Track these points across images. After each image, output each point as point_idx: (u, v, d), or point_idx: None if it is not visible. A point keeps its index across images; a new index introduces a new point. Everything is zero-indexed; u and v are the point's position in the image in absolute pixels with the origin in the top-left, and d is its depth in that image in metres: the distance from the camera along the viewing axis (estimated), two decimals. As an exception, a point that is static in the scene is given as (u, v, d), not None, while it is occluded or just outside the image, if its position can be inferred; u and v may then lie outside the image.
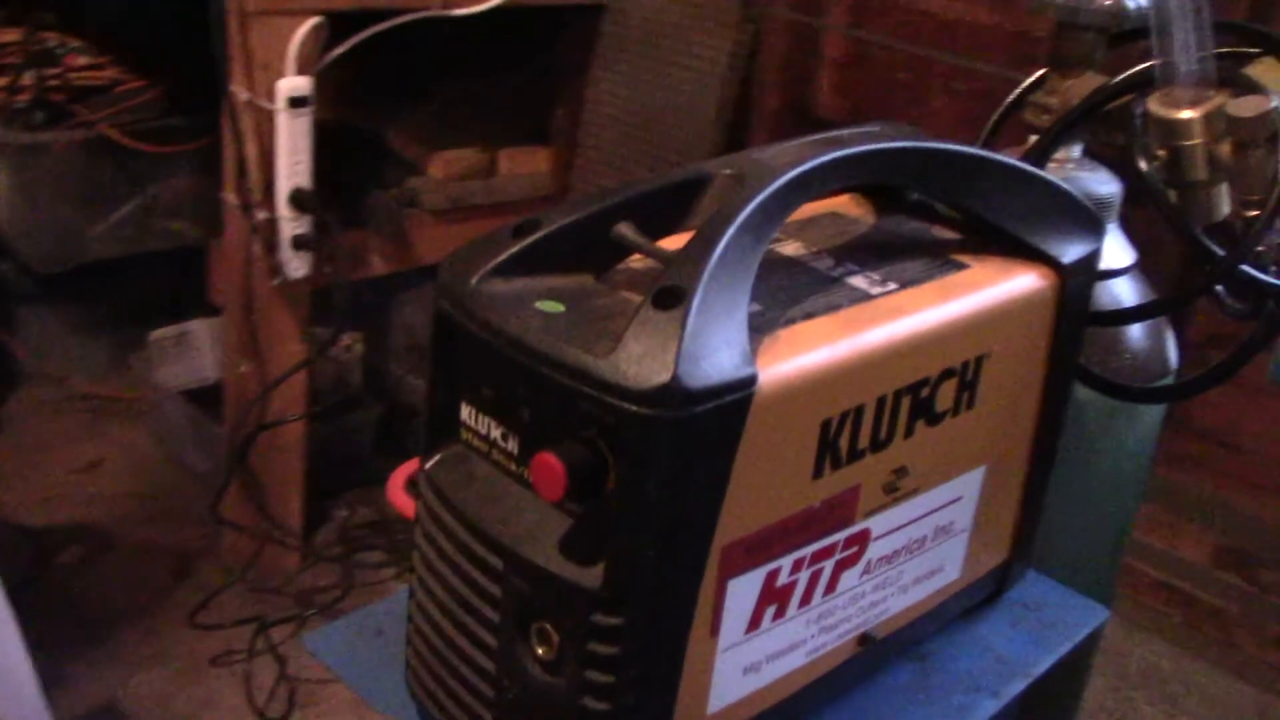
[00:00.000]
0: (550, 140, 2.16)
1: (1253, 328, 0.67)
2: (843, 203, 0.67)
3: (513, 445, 0.53)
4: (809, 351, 0.52)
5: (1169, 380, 0.81)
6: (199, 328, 2.18)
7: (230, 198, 1.74)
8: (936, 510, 0.62)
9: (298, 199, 1.76)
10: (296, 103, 1.73)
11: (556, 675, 0.52)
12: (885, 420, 0.56)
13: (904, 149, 0.58)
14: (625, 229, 0.53)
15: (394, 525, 2.12)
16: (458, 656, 0.55)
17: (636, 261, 0.55)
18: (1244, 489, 1.52)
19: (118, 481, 2.10)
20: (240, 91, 1.69)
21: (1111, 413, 0.78)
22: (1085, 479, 0.79)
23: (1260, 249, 0.67)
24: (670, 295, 0.48)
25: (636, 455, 0.47)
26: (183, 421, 2.10)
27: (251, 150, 1.71)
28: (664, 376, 0.46)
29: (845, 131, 0.60)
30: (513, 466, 0.53)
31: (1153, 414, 0.82)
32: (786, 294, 0.56)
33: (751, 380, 0.49)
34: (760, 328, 0.52)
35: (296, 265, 1.80)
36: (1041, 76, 0.80)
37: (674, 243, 0.55)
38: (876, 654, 0.64)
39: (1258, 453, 1.48)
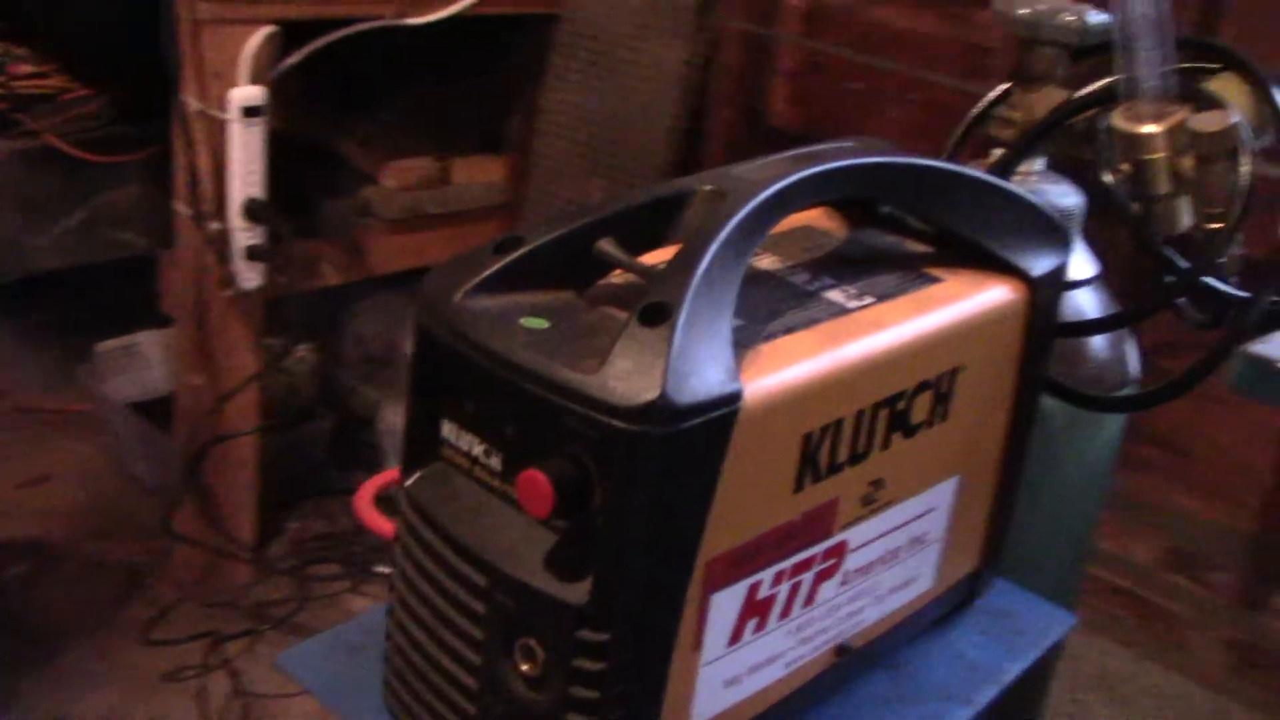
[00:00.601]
0: (504, 149, 2.16)
1: (1216, 336, 0.68)
2: (814, 216, 0.68)
3: (496, 462, 0.53)
4: (791, 366, 0.52)
5: (1130, 389, 0.83)
6: (148, 339, 2.16)
7: (182, 208, 1.72)
8: (911, 521, 0.63)
9: (251, 209, 1.75)
10: (250, 112, 1.71)
11: (541, 692, 0.52)
12: (863, 433, 0.57)
13: (881, 164, 0.59)
14: (608, 245, 0.54)
15: (348, 537, 2.10)
16: (439, 674, 0.55)
17: (618, 277, 0.56)
18: (1194, 493, 1.54)
19: (66, 496, 2.06)
20: (192, 101, 1.67)
21: (1075, 422, 0.80)
22: (1050, 487, 0.80)
23: (1221, 260, 0.69)
24: (657, 312, 0.48)
25: (624, 471, 0.47)
26: (132, 434, 2.07)
27: (204, 160, 1.69)
28: (652, 393, 0.46)
29: (821, 147, 0.61)
30: (496, 483, 0.53)
31: (1114, 422, 0.84)
32: (765, 308, 0.56)
33: (737, 396, 0.49)
34: (742, 342, 0.52)
35: (250, 276, 1.78)
36: (1005, 91, 0.81)
37: (656, 258, 0.55)
38: (852, 664, 0.64)
39: (1207, 457, 1.50)
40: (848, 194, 0.61)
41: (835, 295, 0.59)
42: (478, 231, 2.17)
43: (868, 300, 0.59)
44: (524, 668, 0.52)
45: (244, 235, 1.76)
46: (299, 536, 2.08)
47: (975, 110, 0.83)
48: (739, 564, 0.53)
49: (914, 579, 0.66)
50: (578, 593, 0.49)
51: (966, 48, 1.66)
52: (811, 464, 0.54)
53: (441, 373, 0.53)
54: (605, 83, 1.89)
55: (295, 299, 1.76)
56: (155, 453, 2.01)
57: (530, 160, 2.02)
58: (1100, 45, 0.78)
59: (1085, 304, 0.80)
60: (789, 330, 0.55)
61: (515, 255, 0.53)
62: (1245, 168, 0.66)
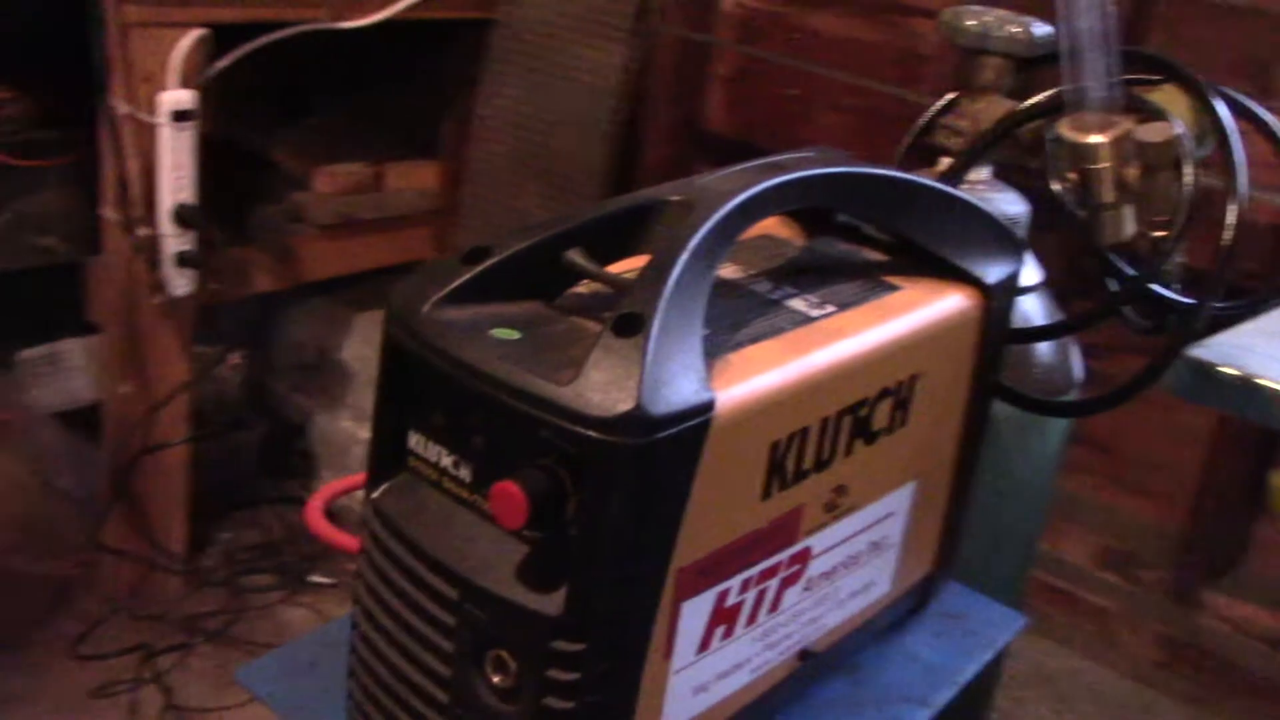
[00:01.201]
0: (439, 155, 2.15)
1: (1158, 341, 0.70)
2: (772, 225, 0.68)
3: (465, 473, 0.52)
4: (759, 375, 0.53)
5: (1074, 393, 0.85)
6: (72, 347, 2.11)
7: (110, 214, 1.69)
8: (871, 526, 0.64)
9: (182, 215, 1.72)
10: (180, 116, 1.69)
11: (513, 703, 0.51)
12: (828, 440, 0.57)
13: (843, 174, 0.60)
14: (577, 255, 0.54)
15: (281, 547, 2.08)
16: (407, 687, 0.55)
17: (586, 287, 0.56)
18: (1123, 492, 1.58)
19: (-11, 508, 2.01)
20: (120, 104, 1.64)
21: (1023, 426, 0.81)
22: (999, 491, 0.82)
23: (1166, 268, 0.71)
24: (630, 323, 0.48)
25: (599, 482, 0.47)
26: (57, 445, 2.02)
27: (133, 165, 1.66)
28: (627, 404, 0.46)
29: (782, 157, 0.61)
30: (465, 494, 0.53)
31: (1060, 426, 0.85)
32: (731, 318, 0.57)
33: (710, 405, 0.49)
34: (711, 352, 0.52)
35: (180, 283, 1.76)
36: (951, 100, 0.83)
37: (623, 269, 0.55)
38: (814, 668, 0.65)
39: (1137, 458, 1.54)
40: (811, 203, 0.61)
41: (798, 304, 0.59)
42: (411, 237, 2.16)
43: (830, 309, 0.59)
44: (495, 679, 0.52)
45: (174, 241, 1.73)
46: (231, 547, 2.05)
47: (923, 119, 0.84)
48: (709, 572, 0.54)
49: (873, 583, 0.67)
50: (552, 604, 0.49)
51: (901, 54, 1.68)
52: (779, 472, 0.55)
53: (410, 384, 0.53)
54: (542, 88, 1.89)
55: (228, 306, 1.74)
56: (82, 463, 1.97)
57: (465, 166, 2.01)
58: (1045, 56, 0.79)
59: (1031, 310, 0.82)
60: (755, 339, 0.55)
61: (485, 266, 0.53)
62: (1189, 177, 0.68)
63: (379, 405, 0.55)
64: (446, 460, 0.53)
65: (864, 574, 0.65)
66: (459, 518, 0.53)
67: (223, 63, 1.75)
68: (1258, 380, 0.81)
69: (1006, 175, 0.84)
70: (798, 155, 0.61)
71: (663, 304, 0.49)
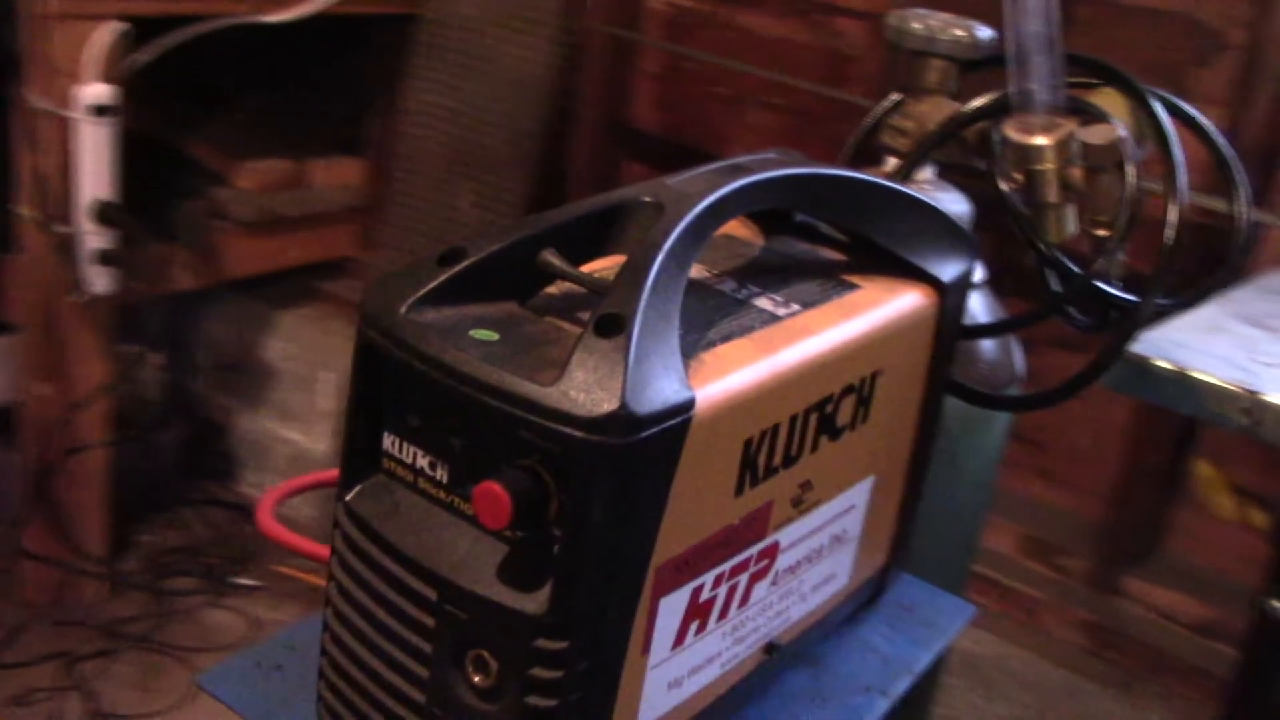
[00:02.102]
0: (363, 151, 2.13)
1: (1100, 337, 0.72)
2: (732, 225, 0.69)
3: (442, 474, 0.52)
4: (733, 373, 0.53)
5: (1015, 388, 0.87)
6: (-16, 347, 2.05)
7: (26, 211, 1.65)
8: (833, 520, 0.65)
9: (102, 212, 1.69)
10: (99, 111, 1.66)
11: (494, 702, 0.52)
12: (796, 437, 0.58)
13: (807, 175, 0.61)
14: (551, 256, 0.54)
15: (204, 549, 2.05)
16: (382, 689, 0.55)
17: (559, 288, 0.56)
18: (1046, 484, 1.62)
19: (-100, 515, 1.96)
20: (36, 99, 1.61)
21: (970, 421, 0.83)
22: (947, 483, 0.84)
23: (1110, 266, 0.73)
24: (611, 323, 0.49)
25: (584, 482, 0.48)
26: (-30, 448, 1.97)
27: (50, 161, 1.63)
28: (612, 404, 0.47)
29: (745, 159, 0.62)
30: (442, 495, 0.53)
31: (1003, 421, 0.87)
32: (701, 317, 0.57)
33: (690, 404, 0.50)
34: (685, 351, 0.53)
35: (100, 281, 1.72)
36: (897, 101, 0.84)
37: (594, 269, 0.56)
38: (778, 661, 0.66)
39: (1061, 451, 1.58)
40: (776, 204, 0.62)
41: (764, 303, 0.60)
42: (335, 235, 2.13)
43: (795, 308, 0.60)
44: (476, 679, 0.52)
45: (94, 239, 1.70)
46: (152, 550, 2.01)
47: (868, 120, 0.86)
48: (684, 569, 0.54)
49: (833, 576, 0.68)
50: (534, 603, 0.50)
51: (828, 54, 1.70)
52: (751, 468, 0.56)
53: (384, 386, 0.53)
54: (469, 84, 1.88)
55: (151, 305, 1.70)
56: (-3, 467, 1.92)
57: (392, 163, 1.99)
58: (988, 59, 0.81)
59: (975, 307, 0.84)
60: (727, 338, 0.56)
61: (460, 267, 0.53)
62: (1132, 178, 0.70)
63: (351, 407, 0.54)
64: (422, 461, 0.53)
65: (825, 567, 0.66)
66: (436, 519, 0.53)
67: (143, 56, 1.72)
68: (1192, 374, 0.84)
69: (947, 174, 0.85)
70: (759, 157, 0.62)
71: (642, 304, 0.49)
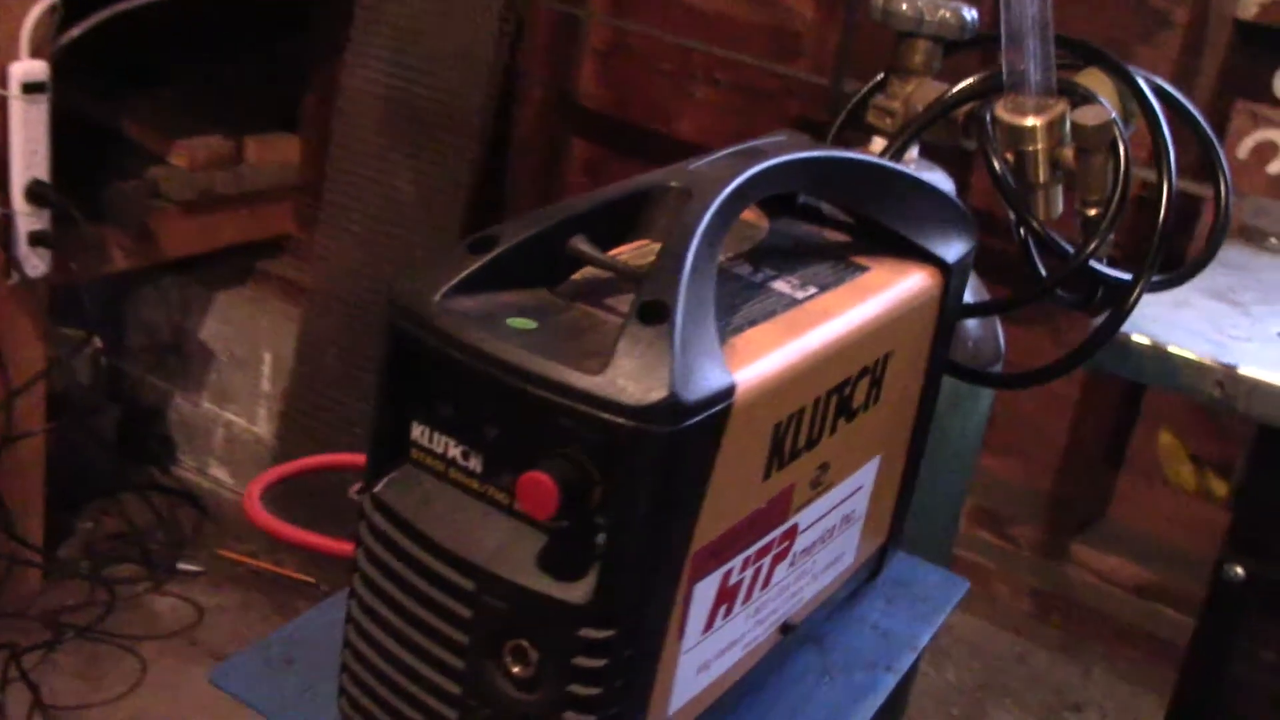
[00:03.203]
0: (300, 128, 2.09)
1: (1105, 315, 0.73)
2: (736, 207, 0.69)
3: (475, 464, 0.52)
4: (764, 358, 0.54)
5: (1000, 365, 0.88)
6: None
7: (-42, 192, 1.60)
8: (844, 500, 0.66)
9: (35, 193, 1.65)
10: (32, 89, 1.61)
11: (533, 692, 0.51)
12: (818, 419, 0.59)
13: (824, 158, 0.61)
14: (582, 243, 0.54)
15: (144, 535, 2.01)
16: (414, 681, 0.54)
17: (585, 274, 0.56)
18: (996, 455, 1.65)
19: None
20: (-32, 76, 1.56)
21: (957, 398, 0.84)
22: (935, 459, 0.84)
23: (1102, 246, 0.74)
24: (655, 310, 0.48)
25: (632, 470, 0.48)
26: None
27: (-19, 140, 1.58)
28: (660, 392, 0.47)
29: (760, 142, 0.62)
30: (475, 485, 0.52)
31: (988, 397, 0.89)
32: (724, 301, 0.57)
33: (731, 390, 0.50)
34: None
35: (35, 263, 1.68)
36: (880, 81, 0.85)
37: (618, 254, 0.55)
38: (791, 641, 0.66)
39: (1009, 423, 1.61)
40: (794, 188, 0.62)
41: (782, 286, 0.60)
42: (273, 213, 2.10)
43: (812, 290, 0.61)
44: (514, 670, 0.52)
45: (27, 220, 1.66)
46: (92, 537, 1.98)
47: (853, 100, 0.86)
48: (717, 553, 0.54)
49: (841, 556, 0.69)
50: (578, 592, 0.49)
51: (775, 30, 1.71)
52: (778, 452, 0.56)
53: (416, 375, 0.52)
54: (409, 60, 1.86)
55: (89, 286, 1.66)
56: (-72, 456, 1.87)
57: (330, 139, 1.96)
58: (973, 39, 0.82)
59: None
60: (753, 322, 0.56)
61: (493, 255, 0.52)
62: (1125, 159, 0.72)
63: (380, 396, 0.54)
64: (454, 451, 0.52)
65: (836, 547, 0.67)
66: (469, 509, 0.52)
67: (74, 32, 1.67)
68: (1168, 349, 0.86)
69: (931, 154, 0.86)
70: (772, 140, 0.62)
71: (683, 291, 0.49)
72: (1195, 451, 1.47)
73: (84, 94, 1.97)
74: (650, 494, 0.48)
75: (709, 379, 0.49)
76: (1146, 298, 0.88)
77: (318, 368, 1.98)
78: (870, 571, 0.75)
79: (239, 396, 2.14)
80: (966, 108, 0.79)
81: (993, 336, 0.87)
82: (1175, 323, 0.92)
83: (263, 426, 2.12)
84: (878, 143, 0.84)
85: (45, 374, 1.69)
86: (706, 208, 0.53)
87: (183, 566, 1.96)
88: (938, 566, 0.80)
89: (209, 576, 1.97)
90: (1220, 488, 1.42)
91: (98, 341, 1.78)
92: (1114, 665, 1.55)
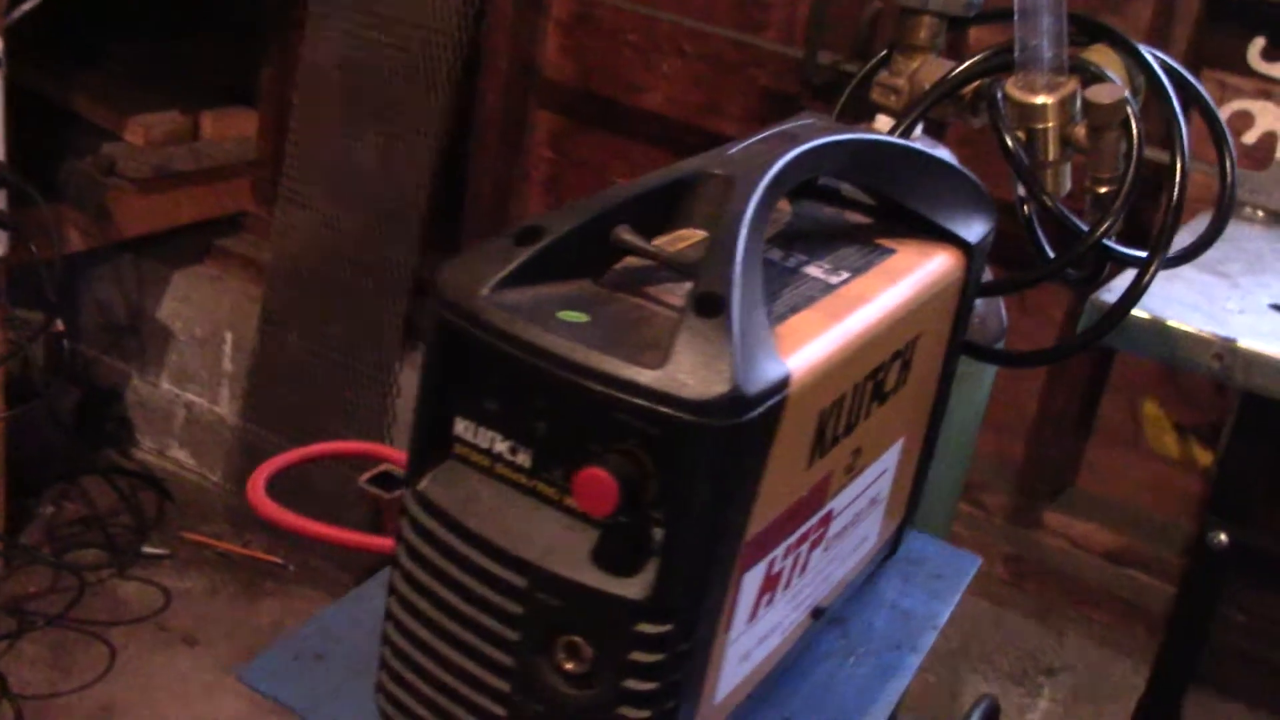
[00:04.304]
0: (258, 102, 2.05)
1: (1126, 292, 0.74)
2: (757, 190, 0.68)
3: (524, 459, 0.51)
4: (810, 346, 0.53)
5: (1002, 342, 0.89)
6: None
7: (-89, 172, 1.55)
8: (872, 484, 0.66)
9: (-9, 172, 1.60)
10: (-15, 65, 1.56)
11: (586, 688, 0.51)
12: (856, 405, 0.58)
13: (855, 141, 0.61)
14: (627, 233, 0.53)
15: (106, 519, 1.98)
16: (461, 679, 0.53)
17: (628, 264, 0.55)
18: (967, 423, 1.66)
19: None
20: (-80, 53, 1.51)
21: (962, 376, 0.84)
22: (941, 437, 0.85)
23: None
24: (712, 303, 0.48)
25: (693, 465, 0.47)
26: None
27: (-66, 119, 1.53)
28: (723, 386, 0.46)
29: (787, 126, 0.61)
30: (523, 480, 0.51)
31: (991, 374, 0.89)
32: (764, 289, 0.57)
33: (786, 380, 0.50)
34: (763, 326, 0.52)
35: (-9, 245, 1.64)
36: (883, 58, 0.84)
37: (661, 244, 0.55)
38: (820, 624, 0.66)
39: (984, 390, 1.62)
40: (827, 171, 0.62)
41: (814, 271, 0.60)
42: (231, 189, 2.06)
43: (845, 275, 0.60)
44: (568, 666, 0.51)
45: (-18, 200, 1.61)
46: (53, 522, 1.94)
47: (857, 77, 0.86)
48: (764, 543, 0.54)
49: (866, 538, 0.69)
50: (635, 587, 0.49)
51: (741, 1, 1.69)
52: (821, 440, 0.56)
53: (463, 369, 0.51)
54: (370, 33, 1.83)
55: (50, 267, 1.62)
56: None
57: (290, 114, 1.93)
58: (977, 17, 0.82)
59: (962, 262, 0.85)
60: (794, 310, 0.56)
61: (540, 246, 0.51)
62: (1138, 137, 0.72)
63: (425, 391, 0.53)
64: (501, 446, 0.52)
65: (862, 529, 0.67)
66: (517, 504, 0.52)
67: (26, 5, 1.62)
68: (1168, 323, 0.87)
69: (934, 131, 0.86)
70: (801, 124, 0.62)
71: (737, 282, 0.49)
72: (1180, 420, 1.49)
73: (37, 72, 1.92)
74: (710, 488, 0.48)
75: (767, 371, 0.48)
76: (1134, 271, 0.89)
77: (282, 345, 1.95)
78: (888, 551, 0.75)
79: (200, 377, 2.10)
80: (973, 85, 0.79)
81: (996, 314, 0.88)
82: (1169, 296, 0.93)
83: (225, 407, 2.09)
84: (882, 120, 0.84)
85: (5, 359, 1.65)
86: (751, 195, 0.52)
87: (148, 550, 1.93)
88: (947, 544, 0.80)
89: (175, 560, 1.94)
90: (1204, 456, 1.44)
91: (59, 324, 1.74)
92: (1086, 629, 1.57)
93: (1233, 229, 1.17)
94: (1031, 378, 1.60)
